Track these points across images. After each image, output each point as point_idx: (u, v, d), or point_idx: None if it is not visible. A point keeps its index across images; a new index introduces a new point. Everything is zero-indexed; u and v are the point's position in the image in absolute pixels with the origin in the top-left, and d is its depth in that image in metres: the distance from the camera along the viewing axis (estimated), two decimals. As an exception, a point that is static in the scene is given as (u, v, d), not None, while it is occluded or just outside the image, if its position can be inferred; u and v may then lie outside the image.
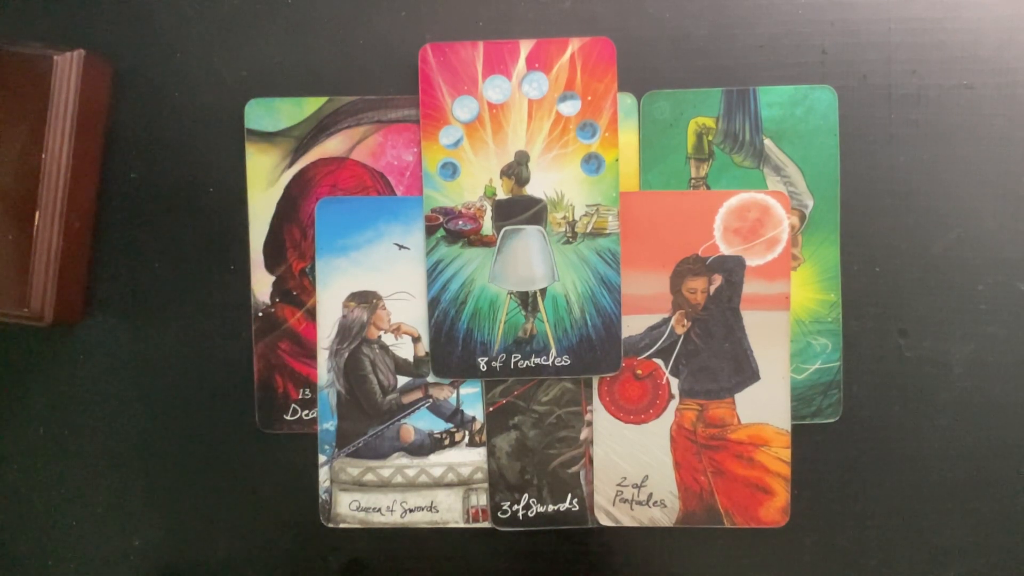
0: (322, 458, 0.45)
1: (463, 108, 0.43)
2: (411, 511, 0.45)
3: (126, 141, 0.46)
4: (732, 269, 0.43)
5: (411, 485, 0.45)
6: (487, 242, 0.43)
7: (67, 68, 0.42)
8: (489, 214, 0.43)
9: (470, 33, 0.44)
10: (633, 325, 0.44)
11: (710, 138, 0.44)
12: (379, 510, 0.45)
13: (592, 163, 0.43)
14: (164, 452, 0.46)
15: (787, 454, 0.44)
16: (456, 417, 0.45)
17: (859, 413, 0.44)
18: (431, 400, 0.45)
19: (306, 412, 0.45)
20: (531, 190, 0.43)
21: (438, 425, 0.45)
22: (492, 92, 0.43)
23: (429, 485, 0.45)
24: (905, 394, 0.44)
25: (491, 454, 0.44)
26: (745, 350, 0.44)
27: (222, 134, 0.45)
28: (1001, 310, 0.44)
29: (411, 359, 0.44)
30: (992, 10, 0.44)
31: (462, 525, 0.45)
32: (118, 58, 0.45)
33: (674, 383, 0.44)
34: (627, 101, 0.44)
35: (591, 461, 0.44)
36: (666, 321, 0.44)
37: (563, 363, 0.43)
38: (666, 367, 0.44)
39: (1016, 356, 0.44)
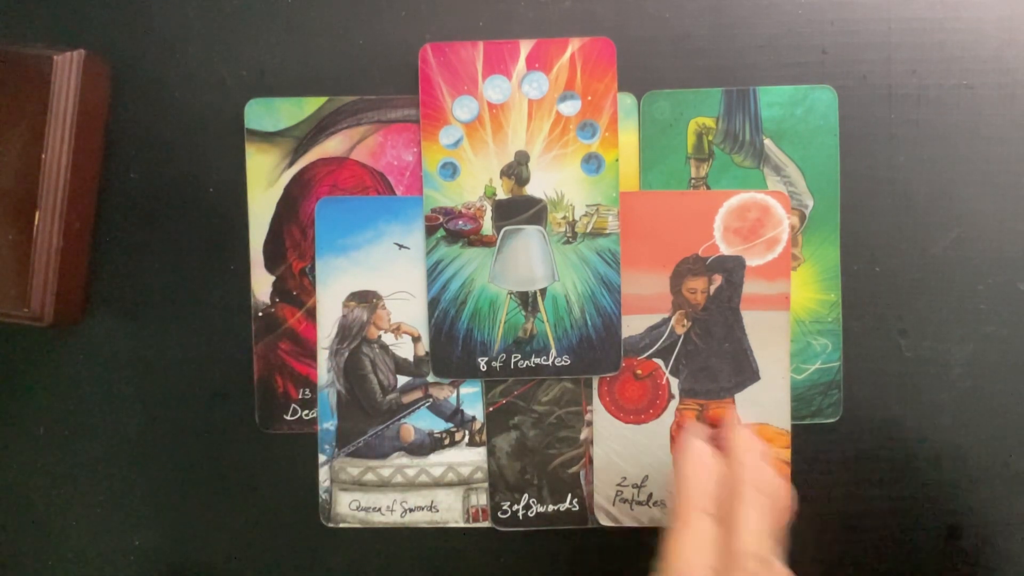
0: (322, 458, 0.45)
1: (463, 108, 0.43)
2: (411, 511, 0.45)
3: (126, 141, 0.46)
4: (732, 269, 0.43)
5: (411, 485, 0.45)
6: (487, 242, 0.43)
7: (67, 68, 0.42)
8: (489, 214, 0.43)
9: (470, 33, 0.44)
10: (633, 325, 0.44)
11: (710, 138, 0.44)
12: (379, 510, 0.45)
13: (592, 163, 0.43)
14: (164, 452, 0.46)
15: (787, 454, 0.44)
16: (456, 417, 0.45)
17: (859, 413, 0.44)
18: (431, 400, 0.45)
19: (306, 412, 0.45)
20: (531, 190, 0.43)
21: (438, 425, 0.45)
22: (492, 92, 0.43)
23: (429, 485, 0.45)
24: (905, 394, 0.44)
25: (491, 454, 0.44)
26: (745, 350, 0.44)
27: (222, 134, 0.45)
28: (1001, 310, 0.44)
29: (411, 359, 0.44)
30: (992, 10, 0.44)
31: (462, 525, 0.45)
32: (118, 58, 0.45)
33: (674, 383, 0.44)
34: (627, 101, 0.44)
35: (591, 461, 0.44)
36: (666, 321, 0.44)
37: (563, 363, 0.43)
38: (666, 367, 0.44)
39: (1016, 356, 0.44)
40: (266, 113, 0.44)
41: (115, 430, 0.46)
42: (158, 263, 0.46)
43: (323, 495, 0.45)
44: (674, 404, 0.44)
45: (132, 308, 0.46)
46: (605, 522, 0.44)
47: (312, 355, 0.45)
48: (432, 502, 0.45)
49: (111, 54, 0.45)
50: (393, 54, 0.45)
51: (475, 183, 0.43)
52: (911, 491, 0.45)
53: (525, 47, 0.43)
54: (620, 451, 0.44)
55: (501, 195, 0.43)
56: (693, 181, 0.44)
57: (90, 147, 0.44)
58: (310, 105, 0.44)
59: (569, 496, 0.44)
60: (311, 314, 0.45)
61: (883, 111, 0.44)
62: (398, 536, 0.45)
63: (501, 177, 0.43)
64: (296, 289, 0.45)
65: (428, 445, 0.45)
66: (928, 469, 0.45)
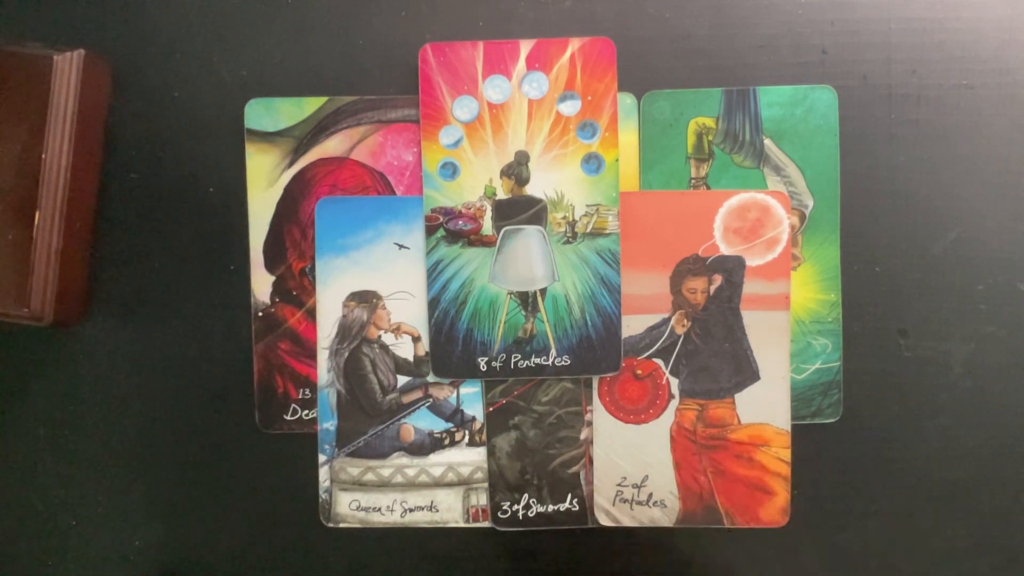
0: (322, 458, 0.45)
1: (463, 108, 0.43)
2: (411, 511, 0.45)
3: (126, 141, 0.46)
4: (732, 269, 0.43)
5: (411, 485, 0.45)
6: (487, 242, 0.43)
7: (67, 68, 0.42)
8: (489, 214, 0.43)
9: (470, 33, 0.44)
10: (633, 325, 0.44)
11: (710, 138, 0.44)
12: (379, 510, 0.45)
13: (592, 163, 0.43)
14: (164, 452, 0.46)
15: (787, 454, 0.44)
16: (456, 417, 0.45)
17: (859, 413, 0.44)
18: (431, 400, 0.45)
19: (306, 412, 0.45)
20: (531, 190, 0.43)
21: (438, 425, 0.45)
22: (492, 92, 0.43)
23: (429, 485, 0.45)
24: (905, 394, 0.44)
25: (491, 454, 0.44)
26: (745, 350, 0.44)
27: (222, 134, 0.45)
28: (1001, 310, 0.44)
29: (411, 359, 0.44)
30: (992, 10, 0.44)
31: (462, 525, 0.45)
32: (118, 58, 0.45)
33: (674, 383, 0.44)
34: (627, 101, 0.44)
35: (591, 461, 0.44)
36: (666, 321, 0.44)
37: (563, 363, 0.43)
38: (666, 367, 0.44)
39: (1016, 356, 0.44)
40: (266, 113, 0.44)
41: (115, 430, 0.46)
42: (158, 263, 0.46)
43: (323, 495, 0.45)
44: (674, 404, 0.44)
45: (132, 308, 0.46)
46: (605, 522, 0.44)
47: (312, 355, 0.45)
48: (432, 502, 0.45)
49: (111, 54, 0.45)
50: (393, 54, 0.45)
51: (475, 183, 0.43)
52: (911, 491, 0.45)
53: (525, 47, 0.43)
54: (620, 451, 0.44)
55: (501, 195, 0.43)
56: (693, 181, 0.44)
57: (90, 147, 0.44)
58: (310, 105, 0.44)
59: (569, 496, 0.44)
60: (311, 314, 0.45)
61: (883, 111, 0.44)
62: (398, 536, 0.45)
63: (501, 177, 0.43)
64: (296, 289, 0.45)
65: (428, 445, 0.45)
66: (928, 469, 0.45)
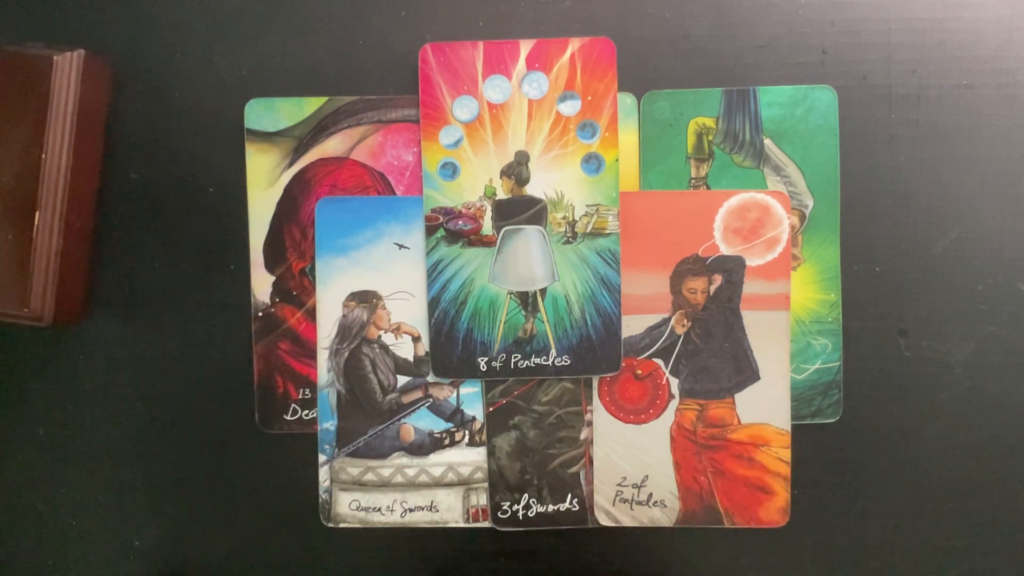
0: (322, 458, 0.45)
1: (463, 108, 0.43)
2: (411, 511, 0.45)
3: (126, 141, 0.46)
4: (732, 269, 0.43)
5: (411, 485, 0.45)
6: (487, 242, 0.43)
7: (67, 68, 0.42)
8: (489, 214, 0.43)
9: (470, 33, 0.44)
10: (633, 325, 0.44)
11: (710, 138, 0.44)
12: (379, 510, 0.45)
13: (592, 163, 0.43)
14: (164, 452, 0.46)
15: (787, 454, 0.44)
16: (456, 417, 0.45)
17: (859, 413, 0.44)
18: (431, 400, 0.45)
19: (306, 412, 0.45)
20: (531, 190, 0.43)
21: (438, 425, 0.45)
22: (492, 92, 0.43)
23: (429, 485, 0.45)
24: (905, 394, 0.44)
25: (491, 454, 0.44)
26: (745, 350, 0.44)
27: (222, 134, 0.45)
28: (1001, 310, 0.44)
29: (411, 359, 0.44)
30: (992, 10, 0.44)
31: (462, 525, 0.45)
32: (118, 58, 0.45)
33: (674, 383, 0.44)
34: (627, 101, 0.44)
35: (591, 461, 0.44)
36: (666, 321, 0.44)
37: (563, 363, 0.43)
38: (666, 367, 0.44)
39: (1016, 356, 0.44)
40: (266, 113, 0.44)
41: (115, 430, 0.46)
42: (158, 263, 0.46)
43: (323, 495, 0.45)
44: (674, 404, 0.44)
45: (132, 308, 0.46)
46: (605, 522, 0.44)
47: (312, 355, 0.45)
48: (432, 502, 0.45)
49: (111, 54, 0.45)
50: (393, 54, 0.45)
51: (475, 183, 0.43)
52: (911, 491, 0.45)
53: (525, 47, 0.43)
54: (620, 451, 0.44)
55: (501, 195, 0.43)
56: (693, 181, 0.44)
57: (90, 147, 0.44)
58: (310, 105, 0.44)
59: (569, 496, 0.44)
60: (311, 314, 0.45)
61: (883, 111, 0.44)
62: (398, 536, 0.45)
63: (501, 177, 0.43)
64: (296, 289, 0.45)
65: (428, 445, 0.45)
66: (928, 469, 0.45)
